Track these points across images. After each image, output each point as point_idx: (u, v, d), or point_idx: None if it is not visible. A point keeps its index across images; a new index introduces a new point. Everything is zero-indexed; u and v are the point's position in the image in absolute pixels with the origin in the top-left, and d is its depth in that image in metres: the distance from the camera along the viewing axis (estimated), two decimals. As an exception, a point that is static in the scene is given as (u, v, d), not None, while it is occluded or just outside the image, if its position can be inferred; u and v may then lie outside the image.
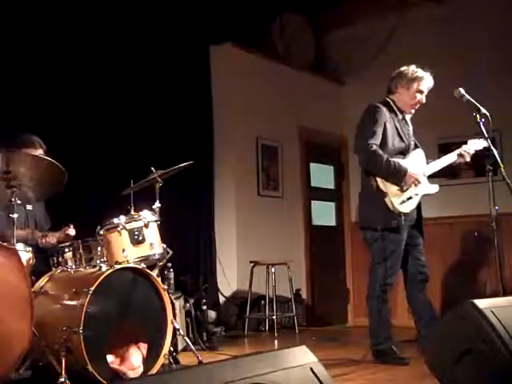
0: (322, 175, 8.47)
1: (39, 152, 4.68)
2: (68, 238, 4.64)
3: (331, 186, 8.55)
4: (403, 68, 4.63)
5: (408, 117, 4.70)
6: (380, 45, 7.92)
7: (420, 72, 4.58)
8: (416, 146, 4.70)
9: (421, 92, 4.57)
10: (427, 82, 4.57)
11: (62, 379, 3.51)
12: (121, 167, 5.82)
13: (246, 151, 7.37)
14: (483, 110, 4.22)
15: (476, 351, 2.73)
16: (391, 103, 4.64)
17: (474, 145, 4.60)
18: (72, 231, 4.73)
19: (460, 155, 4.62)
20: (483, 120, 4.21)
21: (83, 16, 5.96)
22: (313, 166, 8.28)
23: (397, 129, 4.57)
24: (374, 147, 4.41)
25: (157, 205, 4.57)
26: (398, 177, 4.43)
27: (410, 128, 4.70)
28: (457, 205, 6.85)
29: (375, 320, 4.54)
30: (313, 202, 8.21)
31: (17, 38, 5.55)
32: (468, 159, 4.62)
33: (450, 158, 4.63)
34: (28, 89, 5.56)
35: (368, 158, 4.46)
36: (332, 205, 8.53)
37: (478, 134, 4.29)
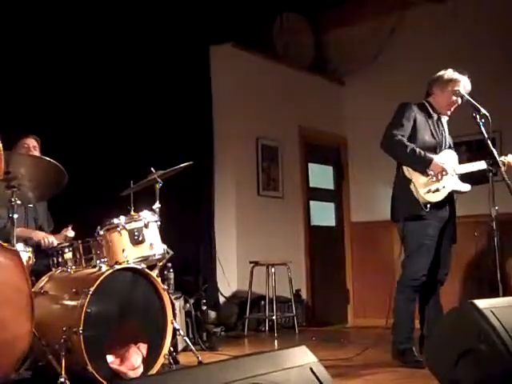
0: (322, 175, 8.47)
1: (31, 141, 4.73)
2: (67, 240, 4.65)
3: (331, 187, 8.55)
4: (441, 72, 4.64)
5: (444, 119, 4.70)
6: (380, 45, 7.91)
7: (456, 75, 4.57)
8: (450, 148, 4.68)
9: (455, 94, 4.55)
10: (464, 84, 4.55)
11: (62, 379, 3.51)
12: (121, 168, 5.82)
13: (245, 151, 7.37)
14: (483, 111, 4.22)
15: (476, 351, 2.73)
16: (427, 105, 4.65)
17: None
18: (71, 233, 4.74)
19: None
20: (483, 120, 4.21)
21: (83, 16, 5.96)
22: (312, 166, 8.28)
23: (429, 127, 4.58)
24: (399, 137, 4.44)
25: (157, 205, 4.57)
26: (424, 164, 4.41)
27: (446, 130, 4.69)
28: (457, 205, 6.85)
29: (397, 317, 4.51)
30: (312, 202, 8.22)
31: (17, 39, 5.55)
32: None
33: (481, 165, 4.52)
34: (28, 89, 5.56)
35: (393, 147, 4.48)
36: (331, 205, 8.53)
37: (478, 135, 4.28)
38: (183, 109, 6.85)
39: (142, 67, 6.45)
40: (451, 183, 4.52)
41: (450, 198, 4.56)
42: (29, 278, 3.39)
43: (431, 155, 4.45)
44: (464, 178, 4.60)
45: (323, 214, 8.43)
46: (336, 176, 8.58)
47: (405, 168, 4.48)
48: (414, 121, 4.53)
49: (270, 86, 7.66)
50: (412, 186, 4.42)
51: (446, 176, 4.46)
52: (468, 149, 6.93)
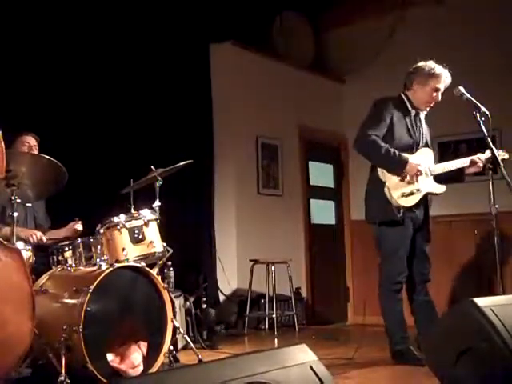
0: (322, 174, 8.48)
1: (31, 139, 4.76)
2: (75, 234, 4.66)
3: (331, 185, 8.56)
4: (420, 63, 4.52)
5: (422, 115, 4.60)
6: (380, 44, 7.92)
7: (437, 68, 4.46)
8: (427, 146, 4.61)
9: (437, 90, 4.45)
10: (444, 79, 4.45)
11: (62, 378, 3.51)
12: (121, 166, 5.82)
13: (245, 150, 7.37)
14: (483, 109, 4.20)
15: (476, 350, 2.73)
16: (405, 99, 4.54)
17: (485, 155, 4.52)
18: (79, 226, 4.74)
19: (473, 162, 4.51)
20: (483, 119, 4.19)
21: (83, 14, 5.96)
22: (312, 164, 8.28)
23: (406, 125, 4.47)
24: (373, 137, 4.31)
25: (157, 203, 4.57)
26: (399, 166, 4.32)
27: (424, 126, 4.60)
28: (456, 203, 6.86)
29: (388, 320, 4.47)
30: (312, 200, 8.22)
31: (17, 37, 5.55)
32: (480, 167, 4.51)
33: (460, 163, 4.53)
34: (28, 88, 5.56)
35: (367, 147, 4.36)
36: (331, 203, 8.54)
37: (478, 133, 4.27)
38: (183, 107, 6.85)
39: (142, 65, 6.45)
40: (426, 185, 4.45)
41: (424, 199, 4.50)
42: (30, 277, 3.39)
43: (406, 155, 4.37)
44: (439, 177, 4.53)
45: (323, 212, 8.43)
46: (336, 174, 8.58)
47: (379, 170, 4.39)
48: (391, 118, 4.42)
49: (270, 85, 7.66)
50: (386, 190, 4.34)
51: (421, 177, 4.40)
52: (468, 147, 6.94)
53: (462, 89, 4.36)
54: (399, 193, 4.36)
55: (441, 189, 4.53)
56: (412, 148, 4.49)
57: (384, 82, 7.66)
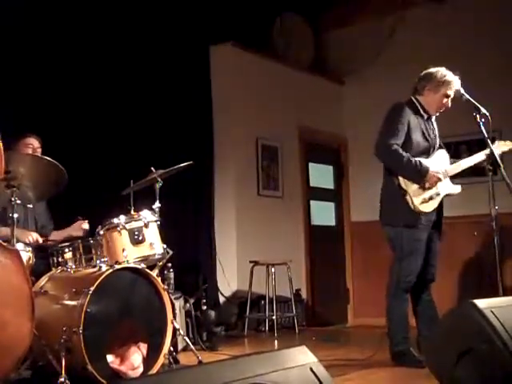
0: (322, 175, 8.47)
1: (35, 142, 4.74)
2: (81, 233, 4.66)
3: (331, 186, 8.55)
4: (433, 70, 4.52)
5: (433, 118, 4.63)
6: (380, 45, 7.92)
7: (449, 76, 4.47)
8: (440, 147, 4.63)
9: (447, 96, 4.48)
10: (455, 86, 4.47)
11: (62, 379, 3.51)
12: (121, 167, 5.82)
13: (245, 151, 7.37)
14: (483, 110, 4.21)
15: (476, 351, 2.73)
16: (416, 104, 4.55)
17: (498, 148, 4.53)
18: (86, 225, 4.74)
19: (488, 157, 4.50)
20: (483, 120, 4.20)
21: (83, 15, 5.96)
22: (312, 165, 8.28)
23: (421, 130, 4.50)
24: (395, 146, 4.34)
25: (157, 205, 4.57)
26: (420, 176, 4.35)
27: (436, 129, 4.63)
28: (457, 205, 6.84)
29: (392, 320, 4.48)
30: (312, 201, 8.21)
31: (18, 38, 5.55)
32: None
33: (475, 159, 4.54)
34: (29, 89, 5.56)
35: (388, 157, 4.40)
36: (332, 205, 8.53)
37: (478, 134, 4.28)
38: (183, 109, 6.85)
39: (143, 67, 6.45)
40: (444, 188, 4.50)
41: (441, 200, 4.55)
42: (29, 278, 3.39)
43: (427, 164, 4.40)
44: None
45: (323, 214, 8.43)
46: (336, 175, 8.58)
47: (401, 179, 4.41)
48: (408, 124, 4.44)
49: (269, 86, 7.65)
50: (408, 197, 4.38)
51: (440, 182, 4.45)
52: (468, 148, 6.93)
53: (461, 90, 4.37)
54: (421, 199, 4.39)
55: (457, 189, 4.58)
56: (428, 151, 4.53)
57: (384, 83, 7.69)
